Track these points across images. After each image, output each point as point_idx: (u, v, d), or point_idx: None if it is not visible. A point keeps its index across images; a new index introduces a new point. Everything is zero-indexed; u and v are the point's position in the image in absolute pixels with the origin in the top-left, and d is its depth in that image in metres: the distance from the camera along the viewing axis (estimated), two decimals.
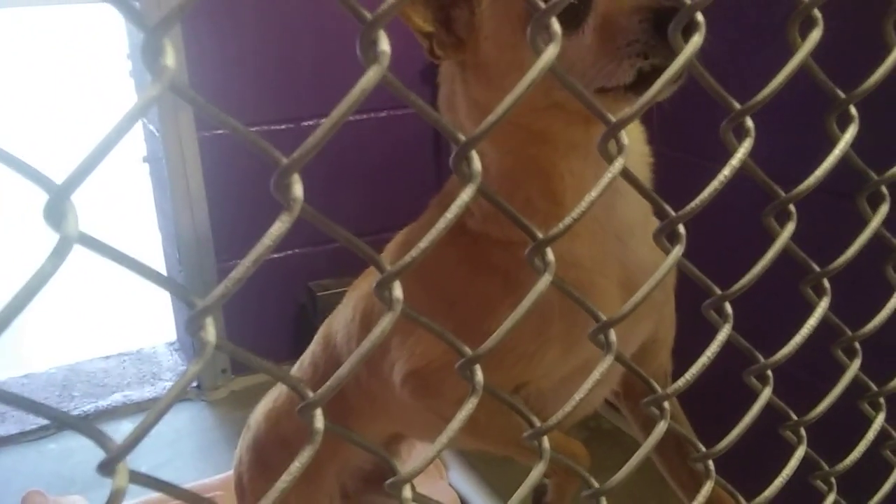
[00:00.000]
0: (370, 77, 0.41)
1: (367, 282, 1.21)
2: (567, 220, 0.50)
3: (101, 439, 0.38)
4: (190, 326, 0.38)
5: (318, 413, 0.43)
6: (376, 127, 2.73)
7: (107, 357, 3.03)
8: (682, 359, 0.70)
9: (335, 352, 1.23)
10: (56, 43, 7.01)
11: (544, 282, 0.49)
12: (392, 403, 1.12)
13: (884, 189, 0.66)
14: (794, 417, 0.68)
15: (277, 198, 0.40)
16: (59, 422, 0.37)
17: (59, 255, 0.33)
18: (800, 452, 0.68)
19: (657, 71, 0.75)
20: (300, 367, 1.33)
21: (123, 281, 3.36)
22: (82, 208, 0.34)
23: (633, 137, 0.94)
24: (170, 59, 0.34)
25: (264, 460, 1.34)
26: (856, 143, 0.61)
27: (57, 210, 0.33)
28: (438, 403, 1.02)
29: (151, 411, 0.37)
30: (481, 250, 0.95)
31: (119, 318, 3.37)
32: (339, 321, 1.24)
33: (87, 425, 0.38)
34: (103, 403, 2.71)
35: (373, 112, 2.72)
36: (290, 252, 2.68)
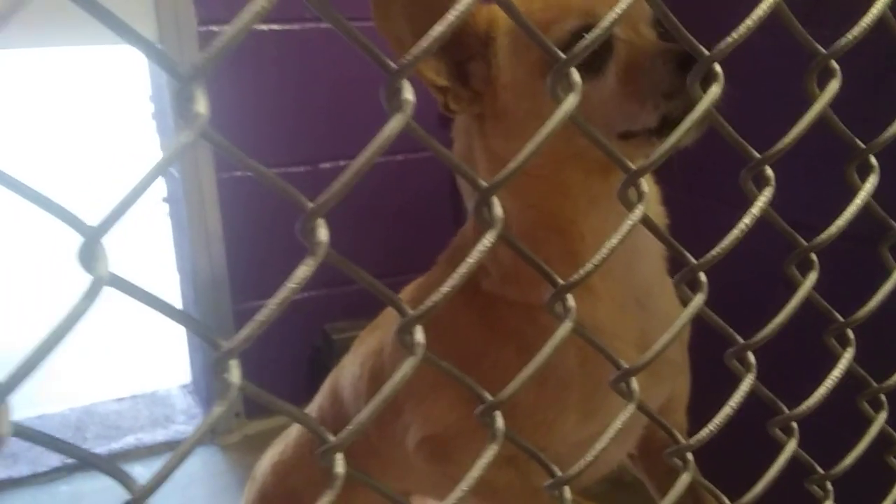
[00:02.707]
0: (394, 125, 0.41)
1: (374, 337, 1.18)
2: (588, 267, 0.50)
3: (125, 480, 0.38)
4: (215, 368, 0.38)
5: (339, 457, 0.43)
6: (394, 170, 2.75)
7: (120, 399, 3.03)
8: (703, 410, 0.69)
9: (343, 409, 1.20)
10: (80, 84, 7.17)
11: (565, 328, 0.49)
12: (402, 463, 1.09)
13: None
14: (821, 471, 0.66)
15: (303, 241, 0.41)
16: (87, 462, 0.37)
17: (90, 295, 0.33)
18: None
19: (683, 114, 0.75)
20: None
21: (139, 323, 3.38)
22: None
23: (649, 196, 0.93)
24: (201, 106, 0.35)
25: None
26: (878, 192, 0.61)
27: (90, 252, 0.33)
28: (455, 470, 0.98)
29: (175, 453, 0.37)
30: (497, 313, 0.93)
31: (134, 361, 3.37)
32: (347, 378, 1.21)
33: (113, 465, 0.38)
34: (116, 446, 2.69)
35: (390, 156, 2.74)
36: (305, 294, 2.69)
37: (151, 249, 3.85)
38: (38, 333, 0.33)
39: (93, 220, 0.35)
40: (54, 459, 2.61)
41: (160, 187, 2.94)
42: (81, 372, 3.19)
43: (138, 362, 3.34)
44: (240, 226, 2.63)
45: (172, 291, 2.99)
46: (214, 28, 2.41)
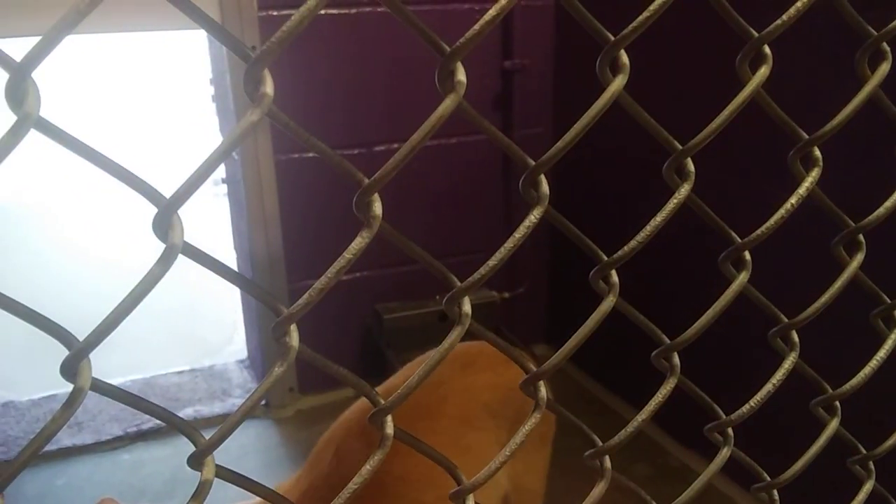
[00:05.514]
0: (447, 105, 0.43)
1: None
2: (632, 244, 0.51)
3: (192, 434, 0.41)
4: (276, 331, 0.41)
5: (388, 419, 0.46)
6: (447, 152, 2.78)
7: (180, 372, 3.14)
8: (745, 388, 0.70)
9: None
10: (141, 68, 7.38)
11: (608, 303, 0.51)
12: None
13: None
14: (864, 451, 0.67)
15: (358, 215, 0.43)
16: (159, 417, 0.41)
17: (165, 261, 0.36)
18: (868, 487, 0.67)
19: None
20: None
21: (198, 302, 3.49)
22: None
23: None
24: (269, 87, 0.38)
25: None
26: None
27: (165, 222, 0.36)
28: None
29: (240, 409, 0.41)
30: None
31: (193, 337, 3.49)
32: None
33: (182, 420, 0.41)
34: None
35: (444, 138, 2.77)
36: (358, 274, 2.74)
37: (207, 229, 3.96)
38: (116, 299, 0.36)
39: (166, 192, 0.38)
40: (116, 428, 2.73)
41: (219, 169, 3.02)
42: (143, 345, 3.32)
43: (197, 338, 3.46)
44: (296, 207, 2.69)
45: None
46: (273, 13, 2.46)
